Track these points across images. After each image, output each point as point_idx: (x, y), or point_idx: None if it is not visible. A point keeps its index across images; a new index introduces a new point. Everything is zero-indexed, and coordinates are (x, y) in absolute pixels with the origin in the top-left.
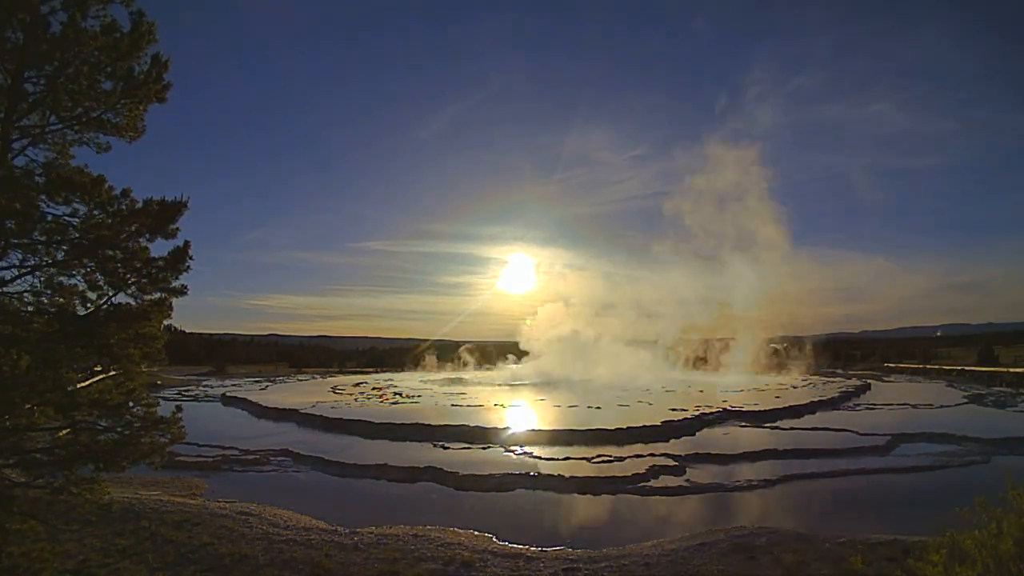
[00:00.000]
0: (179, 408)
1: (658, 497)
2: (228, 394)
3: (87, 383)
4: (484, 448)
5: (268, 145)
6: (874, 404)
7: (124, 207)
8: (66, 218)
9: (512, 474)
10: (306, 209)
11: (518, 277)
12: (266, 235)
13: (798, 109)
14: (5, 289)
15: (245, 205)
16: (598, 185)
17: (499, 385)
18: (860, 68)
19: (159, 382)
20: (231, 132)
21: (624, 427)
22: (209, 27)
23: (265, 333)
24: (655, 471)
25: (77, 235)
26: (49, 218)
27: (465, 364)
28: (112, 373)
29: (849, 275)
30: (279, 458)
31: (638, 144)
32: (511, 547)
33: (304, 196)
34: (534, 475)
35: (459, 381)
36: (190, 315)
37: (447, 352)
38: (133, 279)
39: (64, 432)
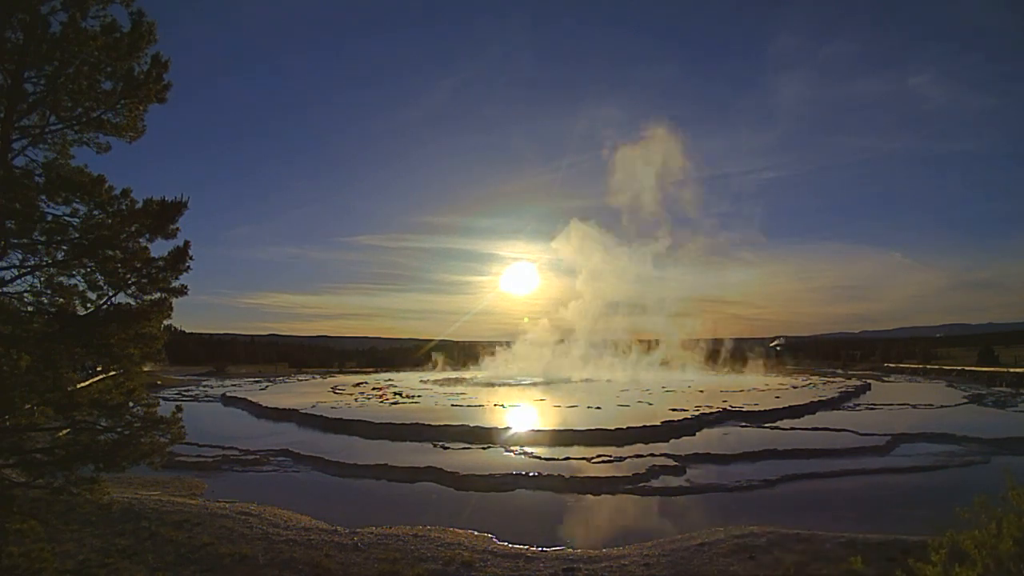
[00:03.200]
0: (179, 408)
1: (658, 497)
2: (228, 394)
3: (87, 383)
4: (484, 448)
5: (247, 135)
6: (874, 404)
7: (124, 207)
8: (66, 218)
9: (512, 474)
10: (291, 202)
11: (519, 277)
12: (253, 231)
13: (828, 82)
14: (5, 289)
15: (229, 200)
16: (603, 172)
17: (493, 385)
18: (898, 35)
19: (159, 382)
20: (207, 123)
21: (624, 427)
22: (182, 10)
23: (264, 333)
24: (655, 471)
25: (77, 235)
26: (49, 218)
27: (456, 366)
28: (112, 373)
29: (862, 272)
30: (279, 458)
31: (649, 124)
32: (511, 547)
33: (288, 187)
34: (534, 475)
35: (459, 381)
36: (184, 315)
37: (448, 353)
38: (133, 279)
39: (64, 432)
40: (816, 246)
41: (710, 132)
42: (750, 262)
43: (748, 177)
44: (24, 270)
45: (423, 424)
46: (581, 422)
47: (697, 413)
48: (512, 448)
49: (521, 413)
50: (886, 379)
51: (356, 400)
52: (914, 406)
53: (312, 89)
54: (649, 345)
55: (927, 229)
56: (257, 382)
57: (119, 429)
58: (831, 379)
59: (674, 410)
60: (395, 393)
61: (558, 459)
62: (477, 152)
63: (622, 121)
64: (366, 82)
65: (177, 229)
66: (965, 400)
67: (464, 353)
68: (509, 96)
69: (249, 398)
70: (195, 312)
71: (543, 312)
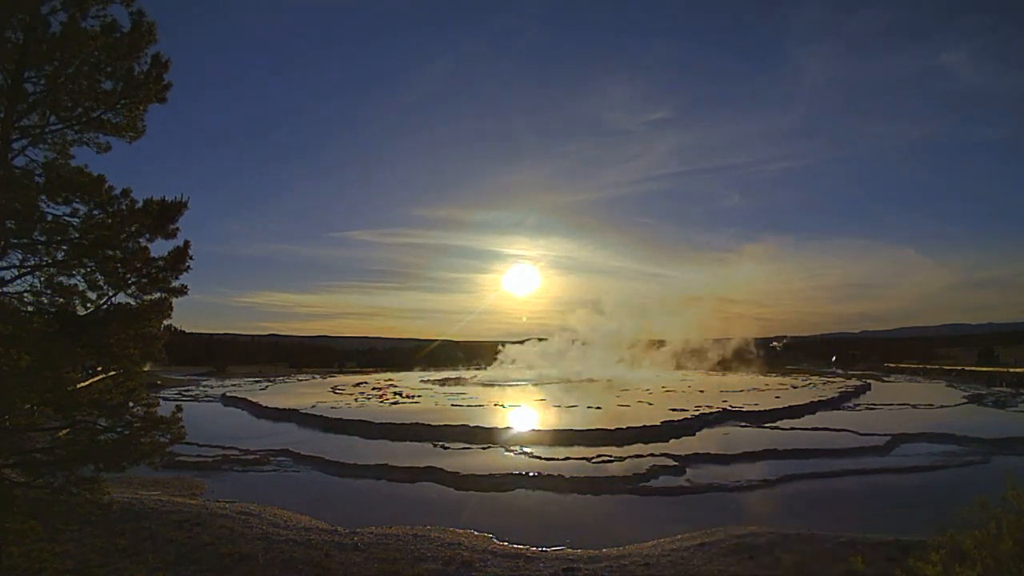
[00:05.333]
0: (179, 408)
1: (658, 497)
2: (228, 394)
3: (87, 383)
4: (484, 448)
5: (229, 125)
6: (874, 404)
7: (124, 207)
8: (66, 218)
9: (512, 474)
10: (277, 196)
11: (521, 277)
12: (241, 227)
13: (854, 59)
14: (5, 289)
15: (215, 195)
16: (608, 161)
17: (493, 385)
18: (932, 4)
19: (159, 382)
20: (188, 115)
21: (624, 427)
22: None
23: (261, 333)
24: (655, 471)
25: (77, 235)
26: (49, 218)
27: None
28: (112, 373)
29: (872, 270)
30: (279, 458)
31: (659, 105)
32: (511, 547)
33: (273, 180)
34: (534, 475)
35: (460, 381)
36: (181, 314)
37: (448, 353)
38: (133, 279)
39: (64, 432)
40: (827, 242)
41: (723, 117)
42: (757, 259)
43: (761, 167)
44: (24, 270)
45: (423, 424)
46: (581, 422)
47: (697, 413)
48: (512, 448)
49: (521, 413)
50: (886, 379)
51: (356, 400)
52: (914, 406)
53: (298, 76)
54: (653, 345)
55: (943, 223)
56: (257, 382)
57: (119, 429)
58: (831, 379)
59: (674, 410)
60: (395, 393)
61: (558, 459)
62: (474, 139)
63: (630, 102)
64: (355, 63)
65: (177, 229)
66: (965, 400)
67: (468, 354)
68: (510, 75)
69: (249, 398)
70: (191, 311)
71: (546, 312)
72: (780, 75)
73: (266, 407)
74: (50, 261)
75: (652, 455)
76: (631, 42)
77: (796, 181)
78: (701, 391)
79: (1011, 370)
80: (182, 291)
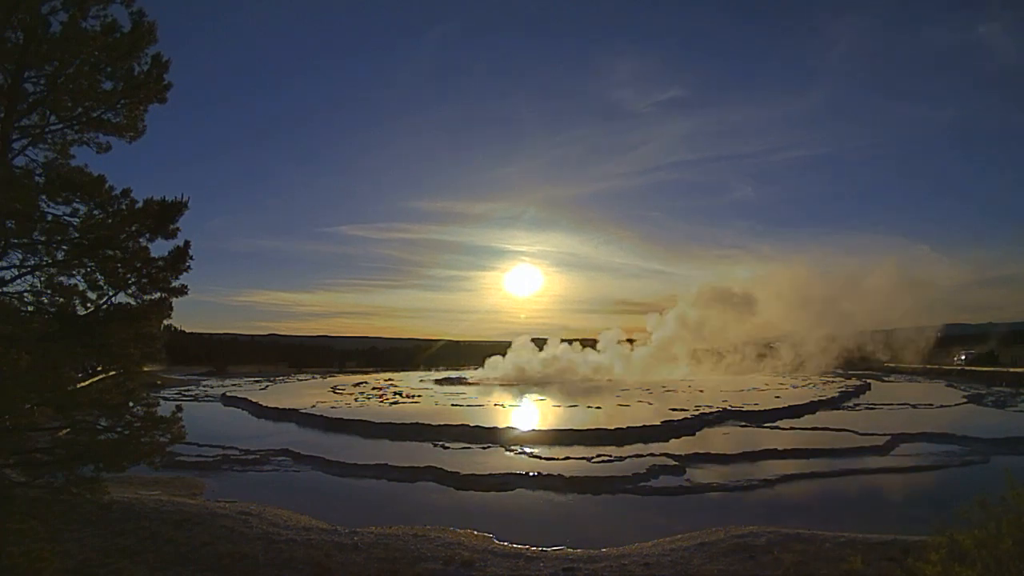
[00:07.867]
0: (179, 408)
1: (658, 497)
2: (228, 394)
3: (87, 383)
4: (484, 448)
5: (213, 116)
6: (874, 404)
7: (124, 207)
8: (66, 218)
9: (512, 474)
10: (263, 189)
11: (520, 275)
12: (229, 223)
13: (888, 30)
14: (5, 289)
15: (202, 189)
16: (613, 149)
17: (493, 386)
18: None
19: (159, 382)
20: (183, 110)
21: (624, 427)
22: None
23: (256, 332)
24: (655, 471)
25: (77, 235)
26: (49, 218)
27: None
28: (112, 373)
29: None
30: (279, 458)
31: (670, 84)
32: (511, 547)
33: (259, 172)
34: (534, 475)
35: (459, 381)
36: (178, 313)
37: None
38: (133, 279)
39: (64, 432)
40: (841, 236)
41: (739, 97)
42: (766, 256)
43: (777, 155)
44: (24, 270)
45: (423, 424)
46: (581, 422)
47: (697, 413)
48: (512, 448)
49: (521, 413)
50: (886, 379)
51: (356, 400)
52: (914, 406)
53: (295, 70)
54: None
55: (961, 218)
56: (257, 382)
57: (119, 429)
58: (831, 379)
59: (674, 410)
60: (395, 393)
61: (558, 459)
62: (467, 120)
63: (638, 80)
64: (348, 47)
65: (177, 229)
66: (965, 400)
67: (469, 354)
68: (510, 49)
69: (249, 398)
70: (189, 311)
71: (547, 311)
72: (805, 51)
73: (266, 407)
74: (50, 261)
75: (652, 455)
76: (640, 13)
77: (814, 171)
78: (701, 391)
79: (1011, 370)
80: (182, 291)
